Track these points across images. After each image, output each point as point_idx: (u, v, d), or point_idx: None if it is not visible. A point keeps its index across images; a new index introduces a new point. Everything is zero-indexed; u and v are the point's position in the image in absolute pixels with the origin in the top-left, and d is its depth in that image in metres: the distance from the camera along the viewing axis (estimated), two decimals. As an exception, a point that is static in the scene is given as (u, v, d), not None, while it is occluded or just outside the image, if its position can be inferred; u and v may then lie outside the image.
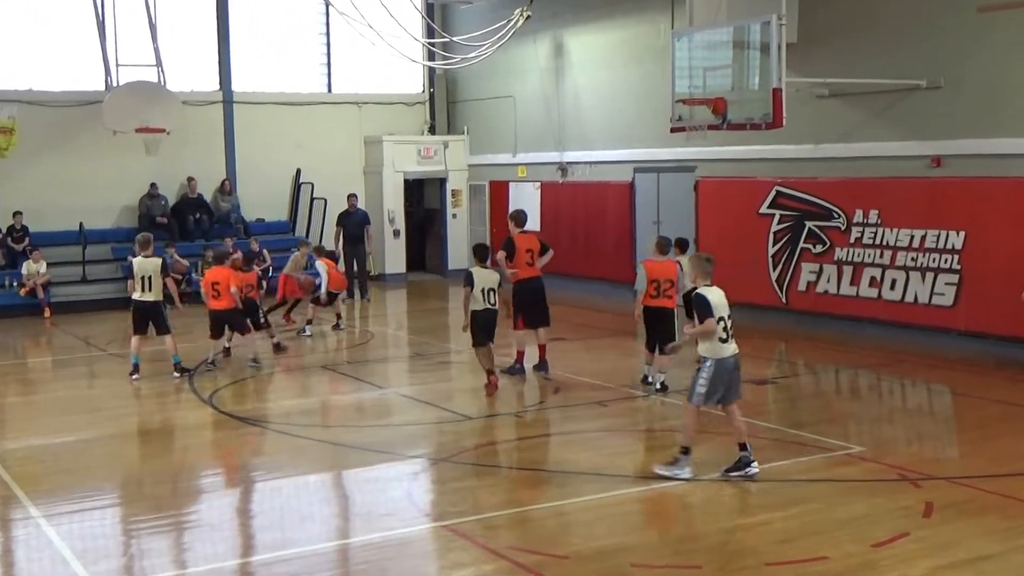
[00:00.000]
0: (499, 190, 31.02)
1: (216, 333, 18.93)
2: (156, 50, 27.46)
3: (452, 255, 31.62)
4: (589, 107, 27.89)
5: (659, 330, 16.36)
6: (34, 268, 26.10)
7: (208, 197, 29.66)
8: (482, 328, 16.47)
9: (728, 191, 23.70)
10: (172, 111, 26.80)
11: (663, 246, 16.79)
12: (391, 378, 18.40)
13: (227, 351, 19.48)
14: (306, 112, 31.05)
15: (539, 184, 29.36)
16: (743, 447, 12.06)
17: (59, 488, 12.35)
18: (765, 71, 19.02)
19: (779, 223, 22.44)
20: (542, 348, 17.90)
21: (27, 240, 27.07)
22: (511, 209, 19.46)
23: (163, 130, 26.50)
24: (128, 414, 15.95)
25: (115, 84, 27.26)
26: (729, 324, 12.06)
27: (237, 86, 30.39)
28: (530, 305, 17.81)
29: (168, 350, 18.27)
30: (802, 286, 22.08)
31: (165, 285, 18.08)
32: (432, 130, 32.86)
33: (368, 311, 26.49)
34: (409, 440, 14.18)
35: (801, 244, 22.01)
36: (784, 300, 22.45)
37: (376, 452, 13.59)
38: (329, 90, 31.90)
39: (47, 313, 25.79)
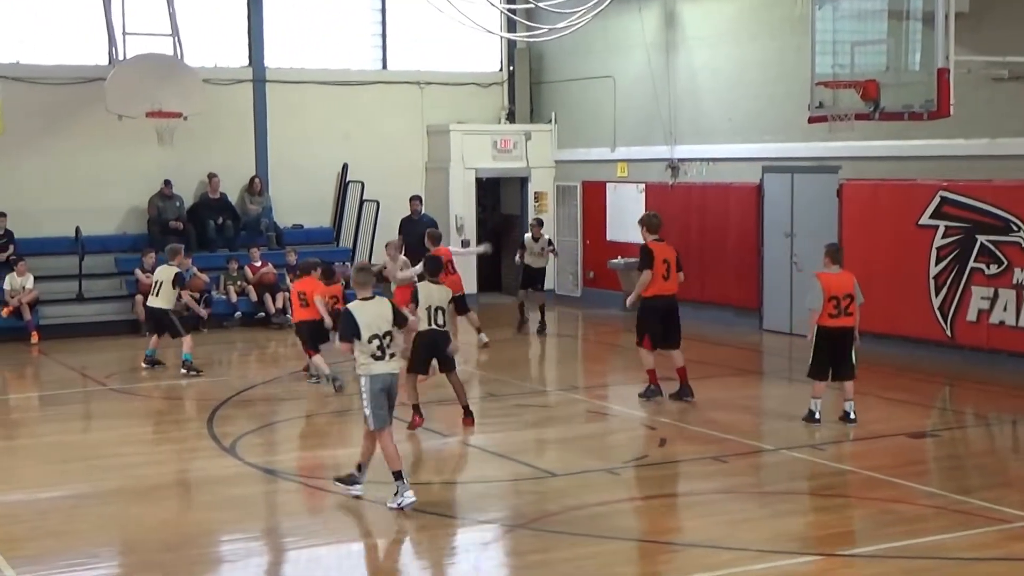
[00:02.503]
0: (594, 193, 31.08)
1: (311, 347, 20.53)
2: (172, 16, 27.82)
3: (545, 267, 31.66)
4: (707, 92, 27.89)
5: (837, 353, 17.20)
6: (19, 283, 26.46)
7: (233, 198, 30.00)
8: (422, 353, 17.21)
9: (880, 197, 23.59)
10: (191, 91, 27.13)
11: (836, 255, 17.76)
12: (457, 424, 18.49)
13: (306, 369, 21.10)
14: (356, 94, 31.33)
15: (643, 186, 29.38)
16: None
17: (46, 554, 12.49)
18: (928, 47, 18.96)
19: (944, 237, 22.29)
20: (681, 371, 19.18)
21: (11, 249, 27.50)
22: (642, 216, 20.02)
23: (179, 115, 26.83)
24: (132, 464, 16.10)
25: (121, 57, 27.66)
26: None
27: (271, 61, 30.74)
28: (660, 325, 19.24)
29: (184, 349, 20.68)
30: (972, 316, 21.91)
31: (180, 296, 19.75)
32: (511, 118, 33.03)
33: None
34: (478, 501, 14.23)
35: (971, 263, 21.84)
36: (949, 333, 22.29)
37: (437, 516, 13.64)
38: (384, 67, 32.18)
39: (34, 338, 26.06)
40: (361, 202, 30.96)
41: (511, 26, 31.19)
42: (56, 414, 19.89)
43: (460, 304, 23.73)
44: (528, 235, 27.36)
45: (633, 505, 14.02)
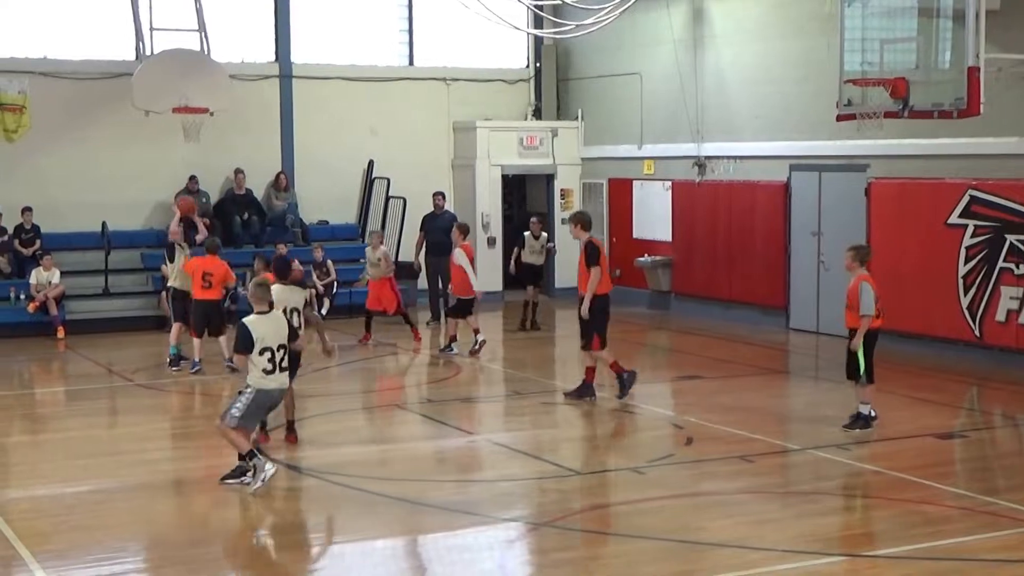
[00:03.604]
0: (620, 190, 31.09)
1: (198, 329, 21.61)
2: (199, 12, 27.92)
3: (561, 269, 31.63)
4: (734, 89, 27.87)
5: (871, 355, 17.08)
6: (45, 277, 26.60)
7: (259, 194, 30.06)
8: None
9: (909, 195, 23.55)
10: (217, 87, 27.22)
11: (869, 256, 17.80)
12: (481, 422, 18.52)
13: None
14: (382, 90, 31.39)
15: (670, 184, 29.38)
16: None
17: (71, 548, 12.59)
18: (958, 45, 18.91)
19: (973, 236, 22.25)
20: (593, 371, 19.38)
21: (38, 243, 27.65)
22: (577, 213, 20.29)
23: (206, 110, 26.94)
24: (158, 460, 16.21)
25: (148, 53, 27.76)
26: None
27: (297, 57, 30.81)
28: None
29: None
30: (1001, 316, 21.87)
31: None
32: (538, 114, 33.05)
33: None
34: (503, 499, 14.27)
35: (1001, 263, 21.79)
36: (978, 333, 22.25)
37: (462, 513, 13.69)
38: (411, 63, 32.23)
39: (60, 333, 26.22)
40: (387, 198, 30.99)
41: (538, 22, 31.22)
42: (82, 409, 20.01)
43: (463, 308, 23.75)
44: (528, 232, 27.37)
45: (658, 504, 14.01)
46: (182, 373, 21.56)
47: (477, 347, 23.43)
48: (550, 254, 28.39)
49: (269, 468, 14.07)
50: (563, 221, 31.52)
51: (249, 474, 14.22)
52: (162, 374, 21.83)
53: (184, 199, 24.32)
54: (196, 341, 21.67)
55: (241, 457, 14.29)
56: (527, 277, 27.06)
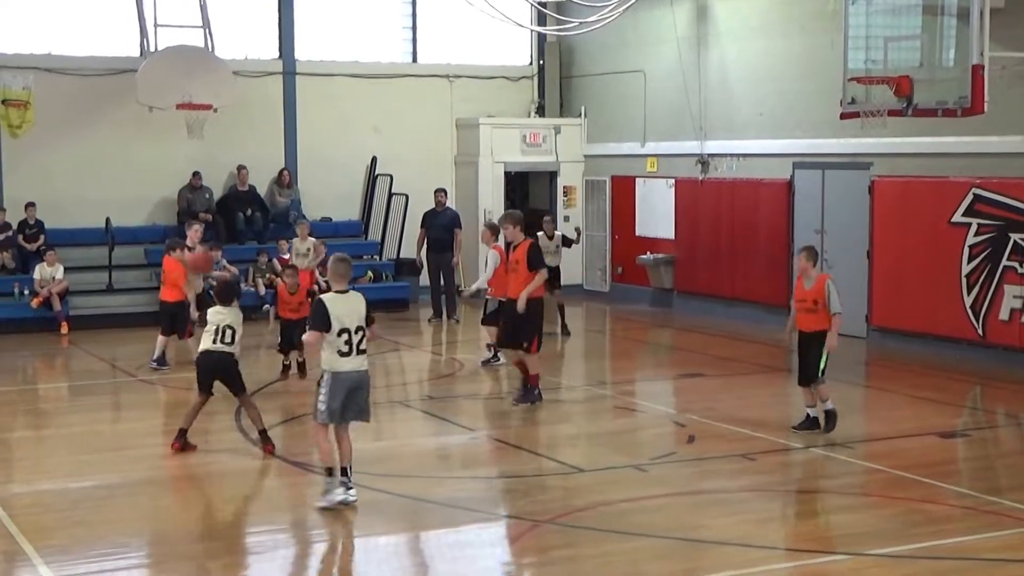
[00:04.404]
0: (623, 187, 31.10)
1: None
2: (203, 8, 27.95)
3: (564, 267, 31.55)
4: (738, 86, 27.88)
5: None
6: (48, 273, 26.61)
7: (262, 190, 30.11)
8: (201, 374, 16.13)
9: (912, 194, 23.55)
10: (221, 84, 27.24)
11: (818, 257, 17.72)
12: (484, 419, 18.53)
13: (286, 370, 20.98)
14: (385, 87, 31.40)
15: (673, 181, 29.39)
16: None
17: (75, 544, 12.59)
18: (962, 43, 18.92)
19: (976, 235, 22.25)
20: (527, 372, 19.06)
21: (41, 239, 27.66)
22: (513, 214, 19.50)
23: (210, 107, 26.96)
24: (161, 455, 16.17)
25: (152, 49, 27.76)
26: None
27: (301, 54, 30.84)
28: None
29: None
30: (1004, 315, 21.87)
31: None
32: (541, 112, 33.07)
33: (456, 335, 26.69)
34: (504, 496, 14.29)
35: (1004, 262, 21.79)
36: (981, 332, 22.25)
37: (463, 510, 13.71)
38: (414, 60, 32.25)
39: (64, 328, 26.25)
40: (390, 195, 31.04)
41: (541, 20, 31.20)
42: (86, 405, 20.02)
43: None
44: (541, 233, 25.71)
45: (661, 502, 14.02)
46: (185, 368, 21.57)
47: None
48: (579, 235, 28.09)
49: (339, 495, 13.46)
50: (566, 219, 31.65)
51: (340, 492, 13.50)
52: (165, 370, 21.82)
53: (195, 257, 21.03)
54: (160, 339, 21.84)
55: (328, 472, 13.63)
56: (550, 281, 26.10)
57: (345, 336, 13.39)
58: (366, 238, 30.96)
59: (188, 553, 12.35)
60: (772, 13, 27.01)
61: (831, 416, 16.65)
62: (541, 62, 33.09)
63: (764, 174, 27.02)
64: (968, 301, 22.37)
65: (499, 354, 21.86)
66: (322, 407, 13.53)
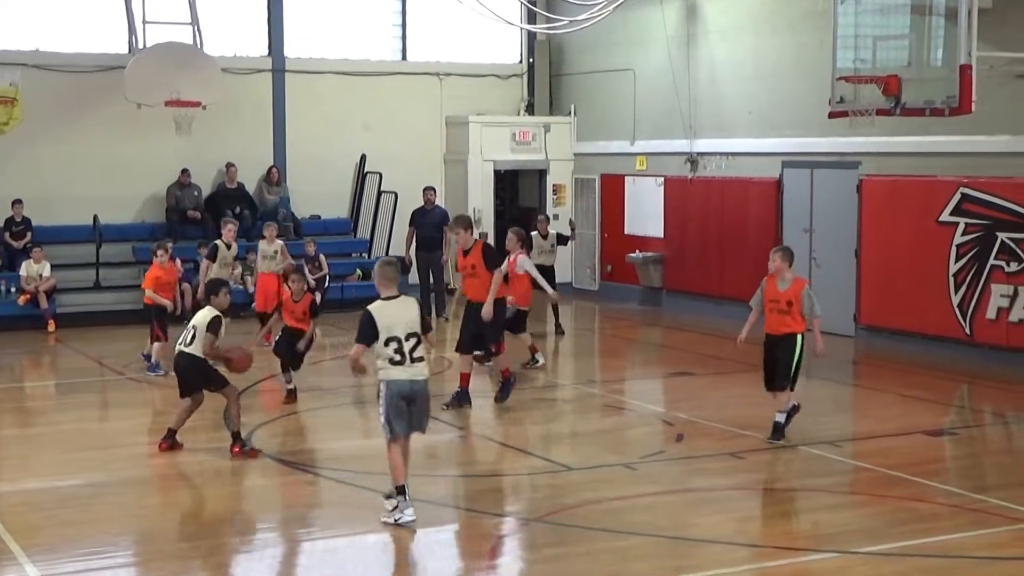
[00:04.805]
0: (612, 186, 31.11)
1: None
2: (192, 5, 27.91)
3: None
4: (727, 85, 27.91)
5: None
6: (35, 270, 26.59)
7: (251, 188, 30.12)
8: (177, 376, 16.15)
9: (900, 193, 23.59)
10: (210, 81, 27.22)
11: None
12: (472, 417, 18.54)
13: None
14: (375, 85, 31.40)
15: (662, 180, 29.42)
16: None
17: (62, 543, 12.59)
18: (951, 43, 18.96)
19: (964, 234, 22.29)
20: (468, 377, 18.68)
21: (28, 236, 27.62)
22: (464, 217, 18.83)
23: (198, 104, 26.92)
24: (149, 454, 16.17)
25: (141, 46, 27.74)
26: None
27: (290, 51, 30.84)
28: None
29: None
30: (991, 313, 21.91)
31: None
32: (530, 110, 33.08)
33: (445, 333, 26.66)
34: (494, 494, 14.30)
35: (991, 261, 21.84)
36: (968, 331, 22.29)
37: (452, 508, 13.75)
38: (404, 58, 32.25)
39: (51, 326, 26.24)
40: (379, 193, 31.03)
41: (531, 18, 31.23)
42: (73, 403, 20.01)
43: (521, 320, 22.02)
44: (535, 232, 25.77)
45: (650, 500, 14.03)
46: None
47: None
48: (573, 230, 28.15)
49: (409, 515, 12.76)
50: (555, 217, 31.61)
51: (408, 512, 12.82)
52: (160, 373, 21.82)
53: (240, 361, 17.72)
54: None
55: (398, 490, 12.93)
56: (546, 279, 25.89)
57: (394, 344, 12.73)
58: (355, 236, 30.96)
59: (175, 552, 12.35)
60: (761, 12, 27.04)
61: (779, 426, 16.34)
62: (531, 60, 33.10)
63: (753, 173, 27.05)
64: (955, 300, 22.41)
65: (537, 356, 21.90)
66: (382, 420, 12.93)
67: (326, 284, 27.79)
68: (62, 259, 27.60)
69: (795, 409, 16.45)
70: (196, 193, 29.18)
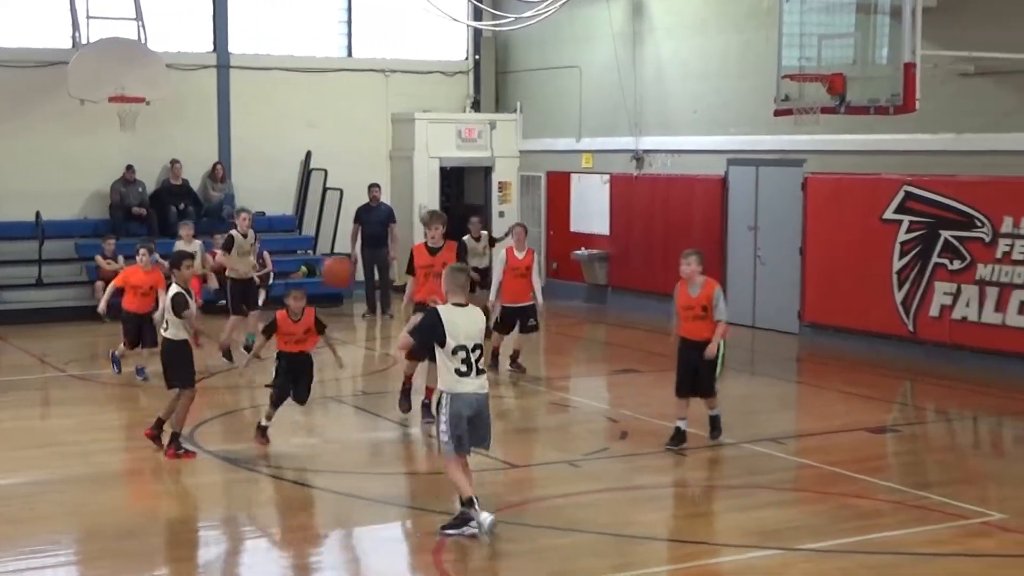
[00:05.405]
0: (559, 183, 31.15)
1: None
2: (136, 0, 27.78)
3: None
4: (673, 83, 27.97)
5: None
6: (-24, 267, 26.32)
7: (196, 184, 29.98)
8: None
9: (844, 191, 23.72)
10: (154, 77, 27.12)
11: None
12: (417, 414, 18.52)
13: None
14: (320, 81, 31.32)
15: (608, 177, 29.47)
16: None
17: (4, 541, 12.52)
18: (895, 41, 19.04)
19: (907, 232, 22.43)
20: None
21: (-30, 233, 27.38)
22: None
23: (142, 100, 26.82)
24: (91, 451, 16.10)
25: (84, 41, 27.61)
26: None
27: (235, 47, 30.71)
28: None
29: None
30: (934, 311, 22.06)
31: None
32: (476, 107, 33.09)
33: (390, 330, 26.65)
34: (437, 492, 14.28)
35: (934, 259, 21.99)
36: (911, 328, 22.44)
37: (396, 506, 13.75)
38: (349, 55, 32.19)
39: (-7, 324, 26.10)
40: (324, 190, 30.99)
41: (477, 15, 31.24)
42: (14, 400, 19.81)
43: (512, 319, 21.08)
44: (467, 237, 23.96)
45: (593, 498, 14.07)
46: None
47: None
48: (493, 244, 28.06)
49: (486, 517, 12.15)
50: (501, 214, 31.70)
51: (472, 523, 12.29)
52: (96, 365, 21.71)
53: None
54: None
55: (462, 503, 12.43)
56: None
57: (462, 354, 12.18)
58: (300, 232, 30.89)
59: (119, 550, 12.27)
60: (707, 10, 27.12)
61: (716, 422, 16.20)
62: (477, 57, 33.10)
63: (698, 170, 27.14)
64: (899, 297, 22.55)
65: (519, 361, 21.14)
66: (445, 437, 12.35)
67: (271, 281, 27.67)
68: (4, 256, 27.46)
69: (716, 421, 16.18)
70: (141, 189, 29.03)
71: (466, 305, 12.52)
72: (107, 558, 12.12)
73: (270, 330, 16.19)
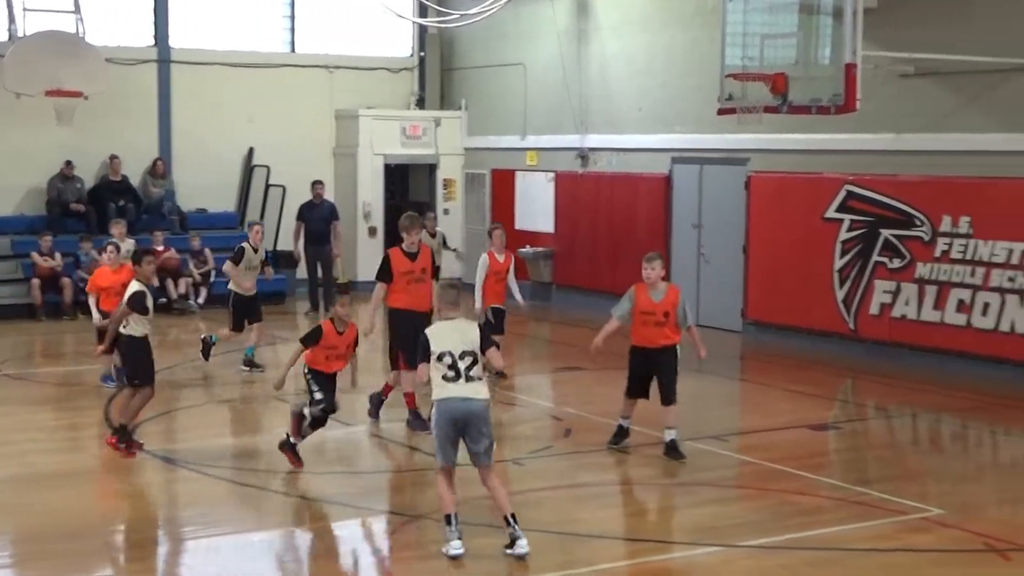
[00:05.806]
0: (503, 180, 31.20)
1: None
2: (74, -9, 27.67)
3: (445, 259, 31.52)
4: (618, 81, 28.07)
5: None
6: (-92, 265, 26.10)
7: (136, 181, 29.83)
8: None
9: (787, 189, 23.89)
10: (93, 71, 26.92)
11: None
12: (360, 413, 18.54)
13: None
14: (263, 77, 31.24)
15: (553, 175, 29.55)
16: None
17: (-59, 541, 12.49)
18: (837, 42, 19.18)
19: (848, 230, 22.60)
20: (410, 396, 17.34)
21: (-96, 229, 27.17)
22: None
23: (80, 94, 26.63)
24: (27, 451, 16.01)
25: (21, 34, 27.42)
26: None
27: (176, 41, 30.58)
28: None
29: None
30: (874, 309, 22.24)
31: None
32: (421, 104, 33.09)
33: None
34: (381, 491, 14.34)
35: (875, 257, 22.18)
36: (852, 326, 22.61)
37: (339, 505, 13.75)
38: (293, 50, 32.14)
39: (-74, 323, 25.85)
40: (267, 187, 30.91)
41: (422, 11, 31.24)
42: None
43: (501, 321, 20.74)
44: (424, 231, 24.53)
45: (538, 496, 14.12)
46: (52, 361, 21.24)
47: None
48: (460, 259, 27.96)
49: (454, 547, 11.89)
50: (446, 212, 31.71)
51: (456, 544, 11.92)
52: (31, 364, 21.58)
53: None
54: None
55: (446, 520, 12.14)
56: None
57: (448, 359, 12.01)
58: (242, 230, 30.62)
59: (58, 551, 12.22)
60: (652, 8, 27.22)
61: (675, 448, 15.55)
62: (422, 54, 33.10)
63: (643, 168, 27.24)
64: (840, 296, 22.73)
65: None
66: (436, 446, 12.26)
67: (211, 279, 27.65)
68: (-63, 253, 27.26)
69: (675, 448, 15.62)
70: (79, 185, 28.85)
71: (455, 319, 12.41)
72: (45, 559, 12.08)
73: (312, 339, 15.28)
